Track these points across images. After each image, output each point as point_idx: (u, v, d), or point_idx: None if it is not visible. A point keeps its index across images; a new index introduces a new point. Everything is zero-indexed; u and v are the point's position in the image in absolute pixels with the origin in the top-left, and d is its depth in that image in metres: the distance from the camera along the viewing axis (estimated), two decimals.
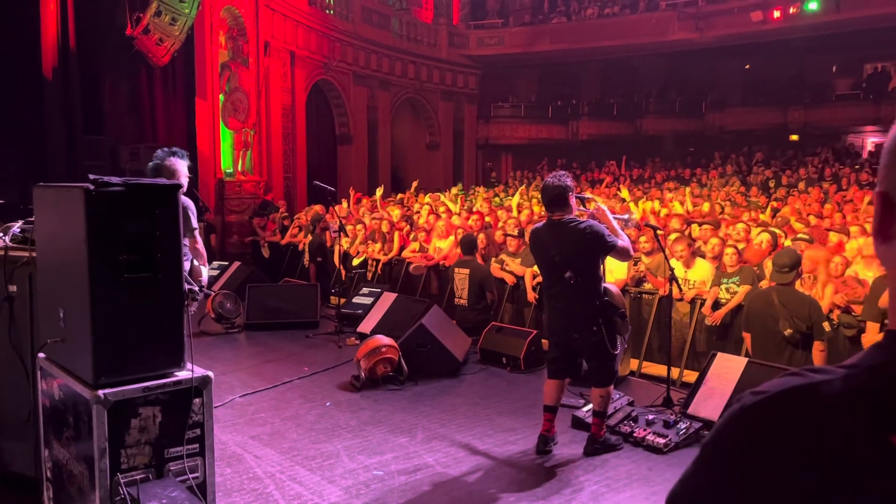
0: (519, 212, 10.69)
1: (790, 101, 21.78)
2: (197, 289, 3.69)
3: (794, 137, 21.93)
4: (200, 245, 4.71)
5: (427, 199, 13.37)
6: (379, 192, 12.44)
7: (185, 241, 4.52)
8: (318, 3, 17.91)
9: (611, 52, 23.09)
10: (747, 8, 19.46)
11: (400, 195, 15.06)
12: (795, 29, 18.95)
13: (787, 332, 5.33)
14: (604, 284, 4.52)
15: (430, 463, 4.52)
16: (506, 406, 5.70)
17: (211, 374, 3.18)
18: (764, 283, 6.05)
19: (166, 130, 12.72)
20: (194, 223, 4.56)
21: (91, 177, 2.87)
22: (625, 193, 12.95)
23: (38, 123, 10.88)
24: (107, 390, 2.88)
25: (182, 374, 3.10)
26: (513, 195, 15.47)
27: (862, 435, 0.67)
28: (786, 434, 0.70)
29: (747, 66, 24.29)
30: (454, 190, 15.82)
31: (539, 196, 13.82)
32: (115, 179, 2.91)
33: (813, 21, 18.32)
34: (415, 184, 16.10)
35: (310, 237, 10.71)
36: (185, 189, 4.71)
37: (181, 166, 4.76)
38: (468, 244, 7.97)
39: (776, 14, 18.91)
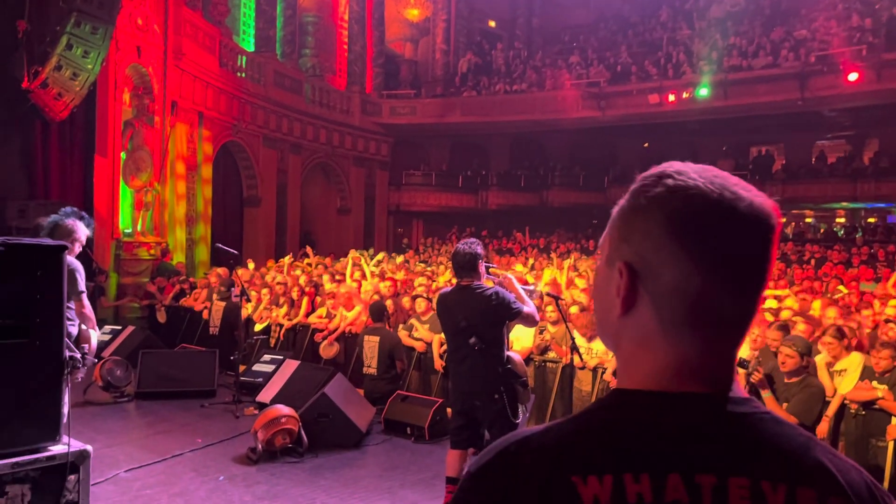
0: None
1: None
2: (79, 356, 3.45)
3: None
4: (88, 309, 4.45)
5: (350, 258, 13.19)
6: (287, 259, 12.22)
7: (72, 305, 4.27)
8: (230, 66, 17.83)
9: (519, 126, 24.00)
10: (645, 91, 20.73)
11: (307, 259, 14.83)
12: (688, 112, 20.31)
13: None
14: (507, 353, 4.55)
15: None
16: (409, 478, 5.57)
17: (89, 448, 2.96)
18: None
19: (60, 187, 12.16)
20: (81, 286, 4.31)
21: None
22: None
23: None
24: None
25: (57, 449, 2.88)
26: (424, 261, 15.54)
27: (552, 478, 0.78)
28: (492, 487, 0.80)
29: (646, 145, 25.73)
30: (379, 256, 15.69)
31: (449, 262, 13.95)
32: None
33: (704, 106, 19.67)
34: (309, 251, 15.86)
35: (223, 303, 10.24)
36: (76, 252, 4.48)
37: (80, 231, 4.54)
38: (377, 311, 7.87)
39: (671, 98, 20.22)
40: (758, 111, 19.79)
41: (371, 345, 7.65)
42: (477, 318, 4.43)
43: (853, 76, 17.10)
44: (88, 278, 5.52)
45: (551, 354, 7.14)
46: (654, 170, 0.87)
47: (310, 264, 13.99)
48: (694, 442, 0.79)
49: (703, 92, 19.32)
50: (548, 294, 6.68)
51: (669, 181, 0.83)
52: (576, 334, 6.53)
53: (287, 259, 12.17)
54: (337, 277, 10.91)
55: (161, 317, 11.54)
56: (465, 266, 4.53)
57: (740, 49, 20.27)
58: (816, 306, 7.59)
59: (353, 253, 12.82)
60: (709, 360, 0.83)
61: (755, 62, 19.56)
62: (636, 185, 0.86)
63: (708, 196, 0.81)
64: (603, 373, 6.60)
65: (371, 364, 7.64)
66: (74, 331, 4.40)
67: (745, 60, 19.78)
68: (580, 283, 10.17)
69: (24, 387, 2.78)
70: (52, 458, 2.84)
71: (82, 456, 2.92)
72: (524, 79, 24.44)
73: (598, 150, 25.38)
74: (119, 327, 10.50)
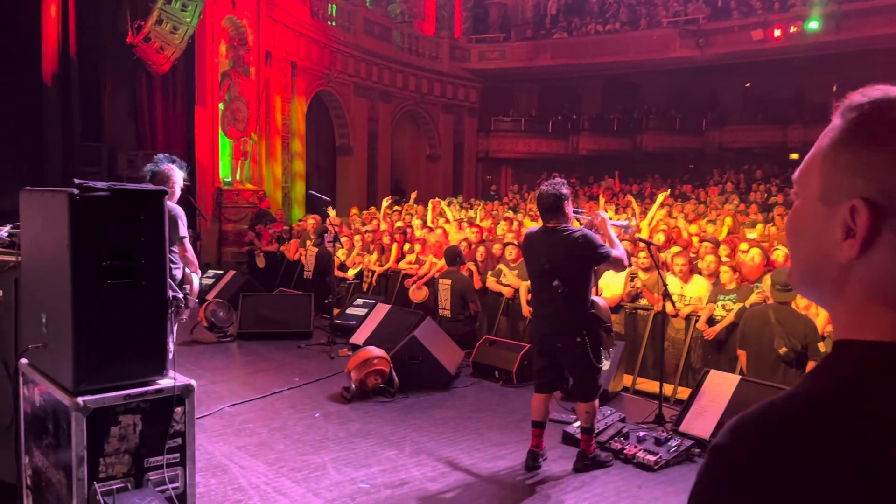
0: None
1: (790, 119, 21.78)
2: (181, 296, 3.65)
3: (795, 156, 21.93)
4: (190, 253, 4.69)
5: (430, 206, 13.30)
6: (385, 201, 12.48)
7: (175, 249, 4.50)
8: (321, 15, 17.97)
9: (612, 68, 23.17)
10: (748, 26, 19.54)
11: (395, 207, 15.05)
12: (796, 48, 19.01)
13: (782, 350, 5.29)
14: (592, 297, 4.48)
15: (417, 477, 4.47)
16: (496, 420, 5.65)
17: (193, 382, 3.14)
18: (753, 298, 6.01)
19: (165, 138, 12.72)
20: (183, 231, 4.53)
21: (76, 181, 2.85)
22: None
23: (37, 129, 10.89)
24: (86, 397, 2.84)
25: (164, 383, 3.07)
26: (512, 208, 15.45)
27: (864, 454, 0.66)
28: (778, 464, 0.69)
29: (748, 84, 24.35)
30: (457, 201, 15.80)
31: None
32: (100, 184, 2.88)
33: (813, 40, 18.37)
34: (413, 195, 16.09)
35: (316, 248, 10.53)
36: (176, 197, 4.71)
37: (176, 175, 4.77)
38: (452, 256, 7.96)
39: (777, 33, 18.98)
40: (874, 45, 18.28)
41: (444, 287, 7.79)
42: (561, 260, 4.36)
43: None
44: (190, 224, 5.80)
45: (643, 302, 7.01)
46: (873, 93, 0.76)
47: (399, 212, 14.19)
48: None
49: (813, 25, 18.02)
50: (639, 239, 6.54)
51: None
52: (669, 280, 6.39)
53: (385, 202, 12.46)
54: (429, 224, 11.00)
55: (260, 262, 12.01)
56: (551, 208, 4.43)
57: None
58: None
59: (432, 201, 12.91)
60: None
61: None
62: (858, 114, 0.76)
63: None
64: (696, 321, 6.43)
65: (445, 306, 7.79)
66: (178, 274, 4.64)
67: None
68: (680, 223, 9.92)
69: (133, 324, 2.96)
70: (160, 390, 3.02)
71: (187, 389, 3.10)
72: (617, 18, 23.49)
73: (695, 91, 24.19)
74: (221, 271, 11.02)
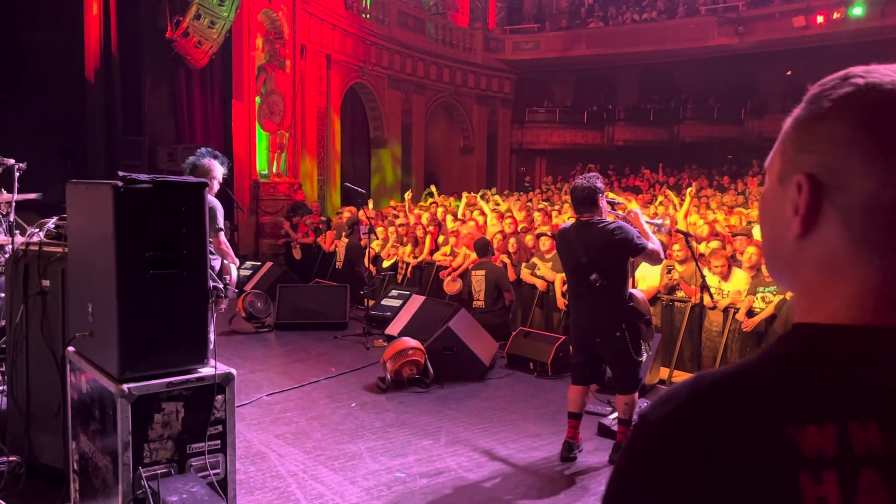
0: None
1: None
2: (221, 286, 3.72)
3: None
4: (225, 244, 4.76)
5: (464, 199, 13.29)
6: (408, 195, 12.48)
7: (211, 240, 4.57)
8: (355, 7, 18.04)
9: (648, 57, 22.86)
10: (789, 13, 19.09)
11: (430, 200, 15.06)
12: (839, 34, 18.52)
13: None
14: (630, 290, 4.46)
15: (453, 466, 4.50)
16: (531, 412, 5.66)
17: (233, 371, 3.20)
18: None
19: (203, 132, 12.92)
20: (220, 223, 4.61)
21: (120, 174, 2.91)
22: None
23: (80, 124, 11.16)
24: (131, 385, 2.91)
25: (205, 371, 3.13)
26: (545, 200, 15.37)
27: (762, 429, 0.67)
28: (687, 439, 0.69)
29: (789, 73, 23.82)
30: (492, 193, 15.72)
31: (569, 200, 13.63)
32: (142, 177, 2.94)
33: (857, 27, 17.88)
34: (432, 187, 16.04)
35: (346, 240, 10.65)
36: (214, 191, 4.78)
37: (216, 169, 4.83)
38: (482, 247, 7.98)
39: (819, 19, 18.52)
40: None
41: (478, 278, 7.81)
42: (598, 253, 4.35)
43: None
44: (227, 217, 5.89)
45: (679, 294, 6.94)
46: (836, 74, 0.77)
47: (434, 203, 14.20)
48: None
49: (857, 11, 17.53)
50: (677, 230, 6.46)
51: (858, 80, 0.73)
52: (706, 272, 6.31)
53: (408, 196, 12.42)
54: (460, 216, 11.00)
55: (297, 254, 12.14)
56: (585, 201, 4.43)
57: None
58: None
59: (466, 195, 12.88)
60: None
61: None
62: (815, 91, 0.76)
63: None
64: (735, 313, 6.34)
65: (479, 297, 7.80)
66: (217, 264, 4.72)
67: None
68: (720, 217, 9.79)
69: (175, 314, 3.02)
70: (202, 378, 3.08)
71: (227, 378, 3.16)
72: (654, 6, 23.14)
73: (734, 80, 23.73)
74: (259, 263, 11.18)
